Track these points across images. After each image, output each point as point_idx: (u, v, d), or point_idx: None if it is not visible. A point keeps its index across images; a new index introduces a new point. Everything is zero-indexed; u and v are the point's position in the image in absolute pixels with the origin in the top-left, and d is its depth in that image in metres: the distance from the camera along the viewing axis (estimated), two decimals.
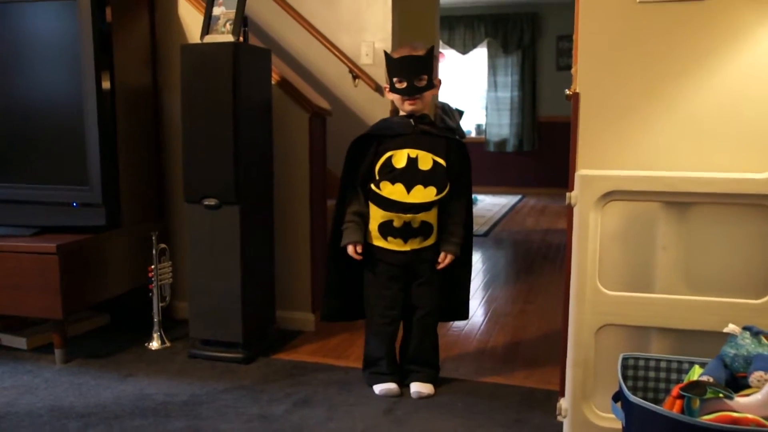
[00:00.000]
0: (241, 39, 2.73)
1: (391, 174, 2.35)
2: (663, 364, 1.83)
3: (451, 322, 3.20)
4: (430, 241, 2.42)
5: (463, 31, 8.64)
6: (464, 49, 8.71)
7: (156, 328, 2.93)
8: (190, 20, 3.12)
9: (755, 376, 1.57)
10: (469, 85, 9.15)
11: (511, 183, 8.70)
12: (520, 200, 7.97)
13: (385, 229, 2.38)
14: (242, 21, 2.73)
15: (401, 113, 2.43)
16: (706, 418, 1.48)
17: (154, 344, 2.92)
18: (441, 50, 7.96)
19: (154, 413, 2.28)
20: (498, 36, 8.52)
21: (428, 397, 2.41)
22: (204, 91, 2.64)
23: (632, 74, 1.99)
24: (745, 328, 1.68)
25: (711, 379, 1.59)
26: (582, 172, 1.96)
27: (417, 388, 2.43)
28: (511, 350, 2.94)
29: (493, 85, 8.70)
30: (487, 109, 8.79)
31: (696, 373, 1.69)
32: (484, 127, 8.92)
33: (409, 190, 2.33)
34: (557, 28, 8.30)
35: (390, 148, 2.36)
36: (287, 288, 3.14)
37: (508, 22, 8.45)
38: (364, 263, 2.44)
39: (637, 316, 1.93)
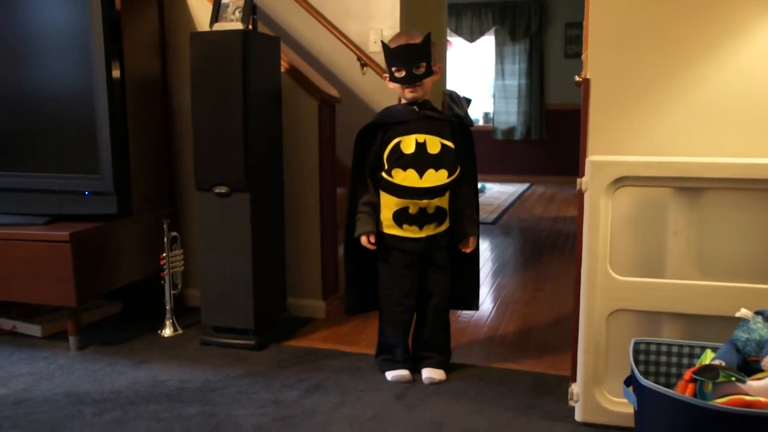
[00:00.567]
0: (251, 27, 2.73)
1: (401, 160, 2.35)
2: (675, 349, 1.84)
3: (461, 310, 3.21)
4: (444, 227, 2.42)
5: (470, 18, 8.60)
6: (471, 37, 8.67)
7: (168, 315, 2.95)
8: (199, 8, 3.12)
9: (767, 360, 1.58)
10: (477, 73, 9.12)
11: (519, 171, 8.68)
12: (528, 188, 7.95)
13: (401, 216, 2.38)
14: (251, 9, 2.73)
15: (402, 101, 2.44)
16: (719, 402, 1.48)
17: (167, 331, 2.94)
18: (448, 38, 7.93)
19: (168, 399, 2.31)
20: (505, 24, 8.48)
21: (440, 382, 2.43)
22: (214, 79, 2.65)
23: (643, 60, 1.98)
24: (757, 313, 1.68)
25: (723, 363, 1.59)
26: (593, 157, 1.96)
27: (429, 373, 2.44)
28: (522, 336, 2.95)
29: (500, 73, 8.66)
30: (494, 97, 8.76)
31: (708, 358, 1.69)
32: (491, 115, 8.89)
33: (421, 174, 2.33)
34: (565, 15, 8.25)
35: (397, 135, 2.37)
36: (298, 275, 3.15)
37: (515, 10, 8.41)
38: (378, 253, 2.45)
39: (649, 301, 1.93)
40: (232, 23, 2.70)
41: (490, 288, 3.75)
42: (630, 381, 1.72)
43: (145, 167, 3.02)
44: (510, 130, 8.69)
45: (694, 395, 1.53)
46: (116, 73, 2.80)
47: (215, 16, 2.74)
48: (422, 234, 2.39)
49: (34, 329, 2.93)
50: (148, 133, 3.06)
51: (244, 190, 2.68)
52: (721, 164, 1.85)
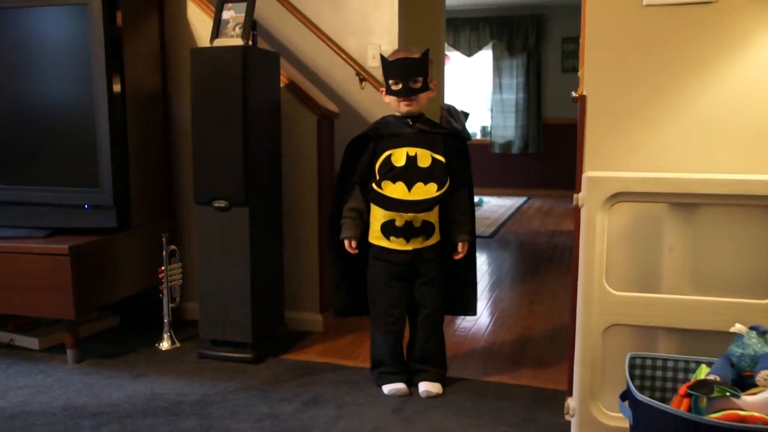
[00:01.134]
0: (251, 43, 2.76)
1: (391, 173, 2.38)
2: (670, 364, 1.84)
3: (458, 323, 3.23)
4: (432, 241, 2.45)
5: (468, 33, 8.66)
6: (469, 51, 8.73)
7: (166, 328, 2.96)
8: (199, 24, 3.15)
9: (762, 375, 1.59)
10: (475, 87, 9.17)
11: (516, 185, 8.71)
12: (525, 202, 7.98)
13: (388, 228, 2.41)
14: (251, 25, 2.76)
15: (397, 114, 2.47)
16: (714, 417, 1.49)
17: (165, 345, 2.94)
18: (446, 52, 7.98)
19: (166, 412, 2.31)
20: (503, 38, 8.54)
21: (437, 396, 2.44)
22: (214, 94, 2.67)
23: (639, 77, 2.00)
24: (751, 328, 1.69)
25: (718, 378, 1.60)
26: (589, 173, 1.98)
27: (425, 387, 2.45)
28: (519, 350, 2.96)
29: (498, 87, 8.71)
30: (492, 111, 8.81)
31: (703, 372, 1.70)
32: (489, 129, 8.93)
33: (410, 188, 2.36)
34: (562, 30, 8.32)
35: (389, 147, 2.41)
36: (296, 289, 3.16)
37: (513, 25, 8.47)
38: (368, 263, 2.48)
39: (644, 316, 1.94)
40: (233, 39, 2.73)
41: (488, 301, 3.76)
42: (626, 395, 1.73)
43: (144, 181, 3.04)
44: (507, 144, 8.73)
45: (689, 410, 1.54)
46: (117, 88, 2.82)
47: (216, 32, 2.77)
48: (409, 247, 2.41)
49: (32, 342, 2.93)
50: (148, 147, 3.08)
51: (243, 204, 2.70)
52: (716, 180, 1.87)
